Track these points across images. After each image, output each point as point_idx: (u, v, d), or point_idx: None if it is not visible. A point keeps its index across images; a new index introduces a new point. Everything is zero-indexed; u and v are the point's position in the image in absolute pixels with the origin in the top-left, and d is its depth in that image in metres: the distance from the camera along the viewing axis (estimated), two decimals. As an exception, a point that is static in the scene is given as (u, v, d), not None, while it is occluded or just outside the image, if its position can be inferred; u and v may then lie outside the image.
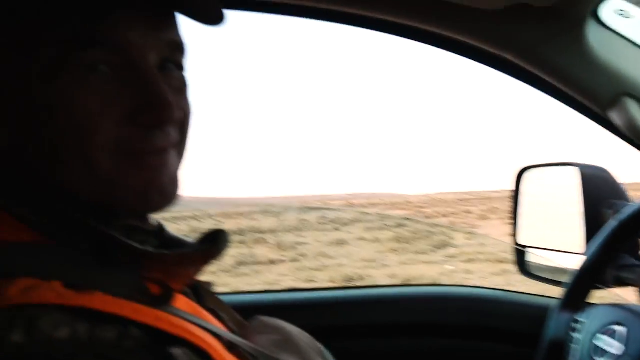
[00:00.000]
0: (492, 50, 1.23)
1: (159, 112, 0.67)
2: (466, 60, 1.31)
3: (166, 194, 0.70)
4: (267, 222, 16.20)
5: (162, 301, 0.65)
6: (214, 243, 0.75)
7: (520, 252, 1.49)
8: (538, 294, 1.74)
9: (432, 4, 1.19)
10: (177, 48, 0.72)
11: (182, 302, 0.70)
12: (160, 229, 0.79)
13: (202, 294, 0.82)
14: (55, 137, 0.65)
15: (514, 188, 1.49)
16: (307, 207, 19.74)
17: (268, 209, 19.09)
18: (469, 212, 18.08)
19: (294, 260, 11.09)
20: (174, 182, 0.71)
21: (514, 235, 1.50)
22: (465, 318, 1.71)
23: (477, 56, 1.30)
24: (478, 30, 1.21)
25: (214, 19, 0.73)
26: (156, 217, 0.79)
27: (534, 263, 1.48)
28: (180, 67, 0.73)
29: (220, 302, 0.85)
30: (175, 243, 0.79)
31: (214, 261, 0.73)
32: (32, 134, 0.66)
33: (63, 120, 0.64)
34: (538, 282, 1.44)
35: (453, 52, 1.30)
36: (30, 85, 0.65)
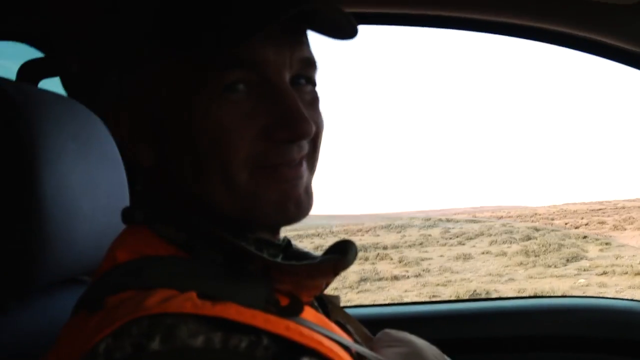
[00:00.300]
0: (628, 47, 1.17)
1: (295, 128, 0.68)
2: (595, 58, 1.26)
3: (302, 205, 0.72)
4: (389, 238, 16.14)
5: (292, 312, 0.66)
6: (342, 254, 0.75)
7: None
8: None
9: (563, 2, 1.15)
10: (309, 64, 0.74)
11: (310, 314, 0.71)
12: (287, 244, 0.81)
13: (329, 307, 0.83)
14: (196, 155, 0.68)
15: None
16: (430, 222, 19.48)
17: (390, 224, 19.02)
18: (602, 222, 17.14)
19: (417, 275, 10.97)
20: (308, 193, 0.73)
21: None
22: (599, 330, 1.63)
23: (612, 54, 1.23)
24: (614, 28, 1.15)
25: (348, 33, 0.74)
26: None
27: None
28: (311, 82, 0.75)
29: (347, 315, 0.85)
30: (302, 256, 0.80)
31: (342, 272, 0.74)
32: (175, 153, 0.70)
33: (204, 138, 0.67)
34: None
35: (582, 50, 1.25)
36: (173, 106, 0.69)
